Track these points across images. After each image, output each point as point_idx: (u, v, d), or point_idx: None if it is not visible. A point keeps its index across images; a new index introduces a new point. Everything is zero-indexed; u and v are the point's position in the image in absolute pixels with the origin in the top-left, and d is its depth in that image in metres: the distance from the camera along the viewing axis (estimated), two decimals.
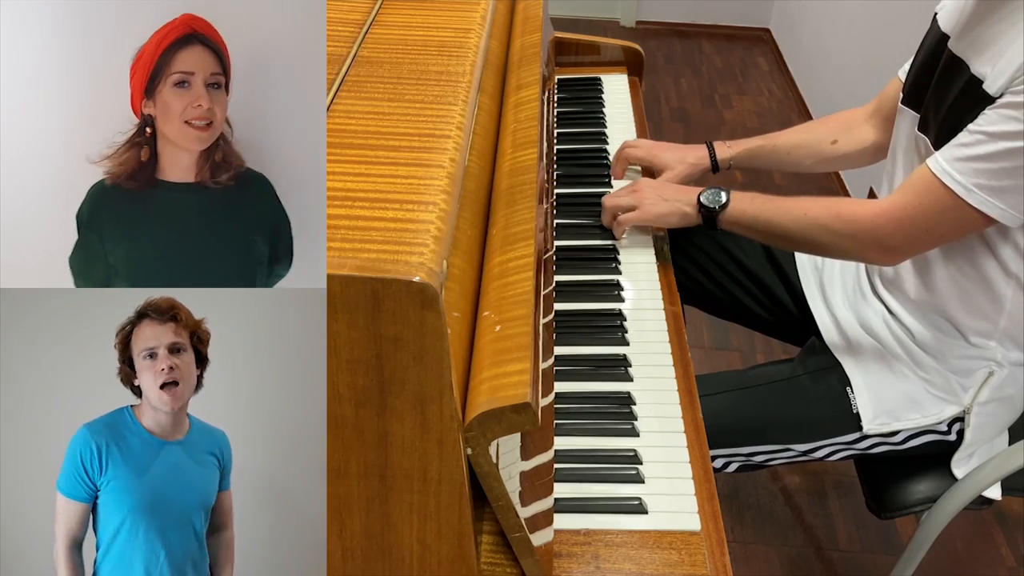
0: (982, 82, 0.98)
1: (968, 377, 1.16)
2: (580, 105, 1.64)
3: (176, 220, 0.79)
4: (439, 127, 0.78)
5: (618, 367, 1.06)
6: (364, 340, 0.63)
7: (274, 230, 0.83)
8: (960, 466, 1.20)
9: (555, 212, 1.33)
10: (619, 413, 1.00)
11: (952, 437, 1.19)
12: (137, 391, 0.75)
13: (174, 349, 0.74)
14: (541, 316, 0.81)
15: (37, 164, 0.82)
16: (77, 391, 0.76)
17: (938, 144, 1.04)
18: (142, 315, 0.74)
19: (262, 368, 0.79)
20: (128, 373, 0.74)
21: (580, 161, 1.49)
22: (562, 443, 0.96)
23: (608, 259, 1.25)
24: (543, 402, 0.74)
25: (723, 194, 1.18)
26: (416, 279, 0.60)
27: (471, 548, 0.74)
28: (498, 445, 0.72)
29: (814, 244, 1.14)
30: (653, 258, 1.26)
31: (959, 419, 1.18)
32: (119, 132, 0.78)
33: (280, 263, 0.84)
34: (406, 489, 0.71)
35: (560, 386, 1.04)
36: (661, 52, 3.87)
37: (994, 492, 1.19)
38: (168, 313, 0.74)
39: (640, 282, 1.21)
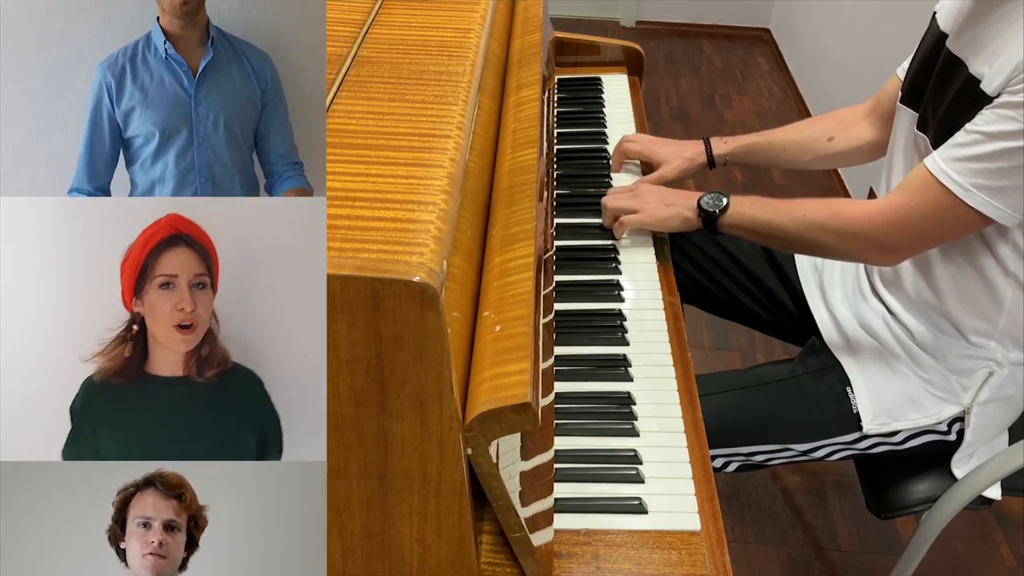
0: (980, 81, 0.98)
1: (968, 377, 1.16)
2: (580, 105, 1.64)
3: (164, 414, 0.80)
4: (439, 127, 0.78)
5: (618, 367, 1.06)
6: (364, 340, 0.63)
7: (262, 427, 0.83)
8: (960, 466, 1.21)
9: (555, 212, 1.33)
10: (619, 413, 1.00)
11: (952, 437, 1.19)
12: (122, 554, 0.75)
13: (169, 527, 0.74)
14: (541, 316, 0.81)
15: (35, 358, 0.84)
16: (72, 565, 0.76)
17: (937, 143, 1.04)
18: (149, 482, 0.74)
19: (256, 546, 0.79)
20: (118, 533, 0.75)
21: (580, 161, 1.49)
22: (562, 443, 0.96)
23: (608, 259, 1.25)
24: (543, 402, 0.74)
25: (723, 198, 1.18)
26: (416, 279, 0.60)
27: (471, 548, 0.74)
28: (498, 445, 0.72)
29: (813, 245, 1.14)
30: (653, 258, 1.26)
31: (959, 419, 1.18)
32: (108, 329, 0.80)
33: (269, 457, 0.85)
34: (406, 489, 0.71)
35: (560, 386, 1.04)
36: (661, 52, 3.87)
37: (994, 492, 1.19)
38: (175, 490, 0.74)
39: (640, 282, 1.21)
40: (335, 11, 0.98)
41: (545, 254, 0.91)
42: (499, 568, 0.80)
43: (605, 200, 1.28)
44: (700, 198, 1.20)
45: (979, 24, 1.01)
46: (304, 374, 0.81)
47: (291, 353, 0.84)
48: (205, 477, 0.76)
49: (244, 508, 0.78)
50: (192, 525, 0.75)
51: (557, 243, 1.27)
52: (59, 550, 0.76)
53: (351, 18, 0.97)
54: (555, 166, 1.44)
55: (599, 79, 1.72)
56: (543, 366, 0.78)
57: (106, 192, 1.23)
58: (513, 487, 0.75)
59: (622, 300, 1.18)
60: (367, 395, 0.66)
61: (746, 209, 1.17)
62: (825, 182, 2.91)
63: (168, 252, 0.78)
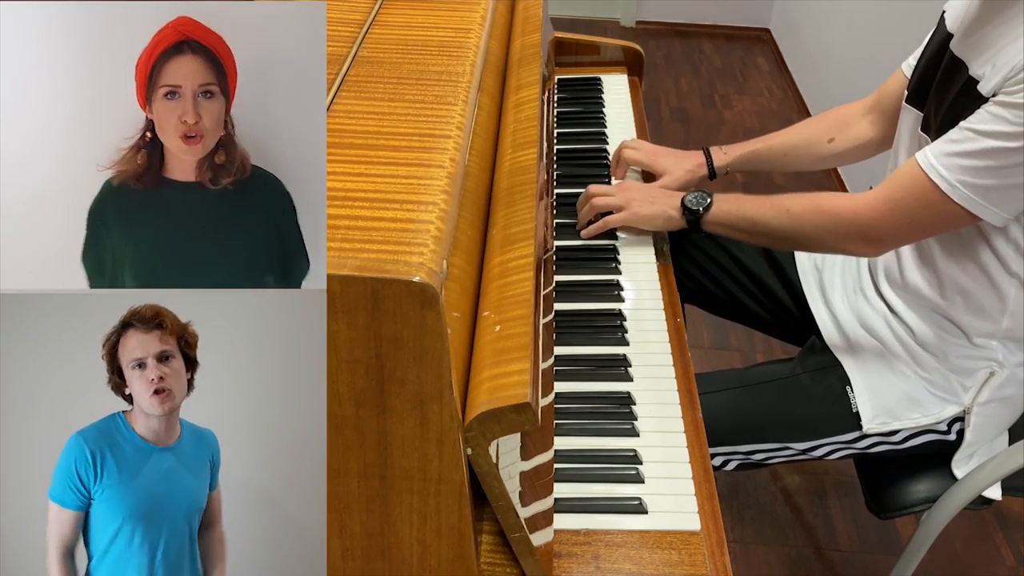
0: (978, 82, 0.99)
1: (969, 377, 1.16)
2: (580, 105, 1.64)
3: (181, 219, 0.78)
4: (439, 127, 0.78)
5: (618, 367, 1.06)
6: (364, 340, 0.63)
7: (281, 232, 0.82)
8: (960, 466, 1.21)
9: (555, 212, 1.33)
10: (619, 413, 1.00)
11: (952, 437, 1.19)
12: (129, 399, 0.74)
13: (162, 357, 0.73)
14: (541, 316, 0.81)
15: (40, 167, 0.82)
16: (67, 397, 0.76)
17: None
18: (127, 325, 0.73)
19: (259, 370, 0.78)
20: (118, 383, 0.74)
21: (580, 161, 1.49)
22: (562, 443, 0.96)
23: (608, 259, 1.25)
24: (543, 402, 0.74)
25: (707, 197, 1.19)
26: (416, 279, 0.60)
27: (471, 548, 0.74)
28: (498, 445, 0.72)
29: (798, 239, 1.15)
30: (653, 258, 1.26)
31: (959, 419, 1.18)
32: (125, 137, 0.78)
33: (295, 265, 0.83)
34: (406, 489, 0.71)
35: (560, 386, 1.04)
36: (661, 52, 3.87)
37: (994, 492, 1.19)
38: (153, 321, 0.73)
39: (640, 282, 1.21)
40: (335, 11, 0.98)
41: (545, 254, 0.91)
42: (499, 568, 0.80)
43: (589, 188, 1.28)
44: (684, 197, 1.20)
45: (984, 26, 1.01)
46: (310, 177, 0.79)
47: (298, 156, 0.81)
48: (204, 304, 0.76)
49: (245, 333, 0.77)
50: (183, 345, 0.74)
51: (557, 243, 1.27)
52: (53, 380, 0.75)
53: (351, 18, 0.97)
54: (555, 166, 1.44)
55: (599, 79, 1.72)
56: (543, 366, 0.78)
57: None
58: (513, 487, 0.75)
59: (622, 300, 1.18)
60: (367, 395, 0.66)
61: (730, 207, 1.18)
62: (825, 182, 2.91)
63: (174, 60, 0.75)
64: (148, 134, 0.78)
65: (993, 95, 0.96)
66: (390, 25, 0.96)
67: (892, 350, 1.19)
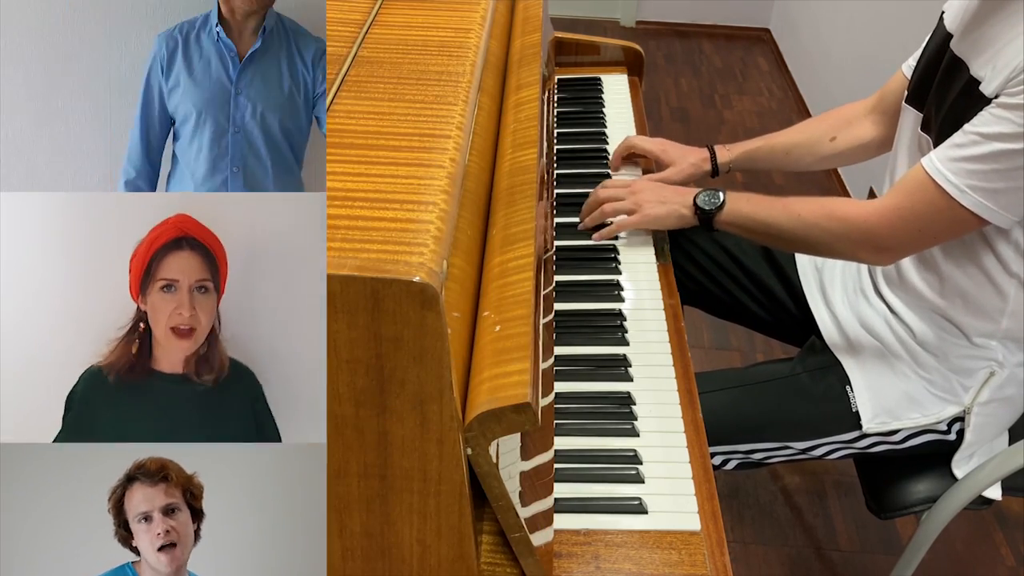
0: (980, 83, 0.98)
1: (969, 377, 1.16)
2: (580, 105, 1.64)
3: (167, 412, 0.81)
4: (439, 127, 0.78)
5: (618, 367, 1.06)
6: (364, 340, 0.63)
7: (257, 419, 0.83)
8: (960, 466, 1.20)
9: (555, 212, 1.33)
10: (619, 413, 1.00)
11: (952, 437, 1.19)
12: (137, 551, 0.75)
13: (168, 510, 0.74)
14: (541, 316, 0.81)
15: (37, 360, 0.84)
16: (69, 547, 0.76)
17: (939, 144, 1.04)
18: (132, 478, 0.74)
19: (260, 519, 0.79)
20: (125, 536, 0.74)
21: (580, 161, 1.49)
22: (562, 443, 0.96)
23: (608, 259, 1.24)
24: (543, 402, 0.74)
25: (720, 195, 1.18)
26: (416, 279, 0.60)
27: (471, 548, 0.74)
28: (498, 445, 0.72)
29: (808, 244, 1.14)
30: (653, 258, 1.26)
31: (959, 419, 1.18)
32: (117, 327, 0.81)
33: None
34: (406, 489, 0.71)
35: (560, 386, 1.04)
36: (661, 52, 3.87)
37: (994, 492, 1.19)
38: (158, 474, 0.74)
39: (640, 282, 1.21)
40: (335, 11, 0.98)
41: (545, 254, 0.91)
42: (499, 568, 0.80)
43: (599, 191, 1.28)
44: (696, 195, 1.20)
45: (982, 26, 1.01)
46: (304, 372, 0.81)
47: (292, 352, 0.84)
48: (198, 457, 0.76)
49: (243, 487, 0.78)
50: (189, 497, 0.75)
51: (557, 243, 1.27)
52: (55, 531, 0.76)
53: (351, 18, 0.97)
54: (555, 166, 1.44)
55: (599, 79, 1.72)
56: (543, 366, 0.78)
57: (156, 168, 1.19)
58: (513, 487, 0.75)
59: (622, 300, 1.18)
60: (367, 395, 0.66)
61: (742, 207, 1.17)
62: (825, 182, 2.91)
63: (172, 255, 0.78)
64: (142, 325, 0.80)
65: (995, 96, 0.96)
66: (390, 25, 0.96)
67: (892, 350, 1.19)
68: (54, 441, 0.80)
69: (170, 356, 0.80)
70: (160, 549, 0.73)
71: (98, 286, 0.82)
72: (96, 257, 0.83)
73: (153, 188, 1.22)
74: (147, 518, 0.74)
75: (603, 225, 1.27)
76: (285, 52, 1.18)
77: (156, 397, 0.80)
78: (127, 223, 0.80)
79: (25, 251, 0.83)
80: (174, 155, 1.23)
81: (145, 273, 0.78)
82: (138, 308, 0.80)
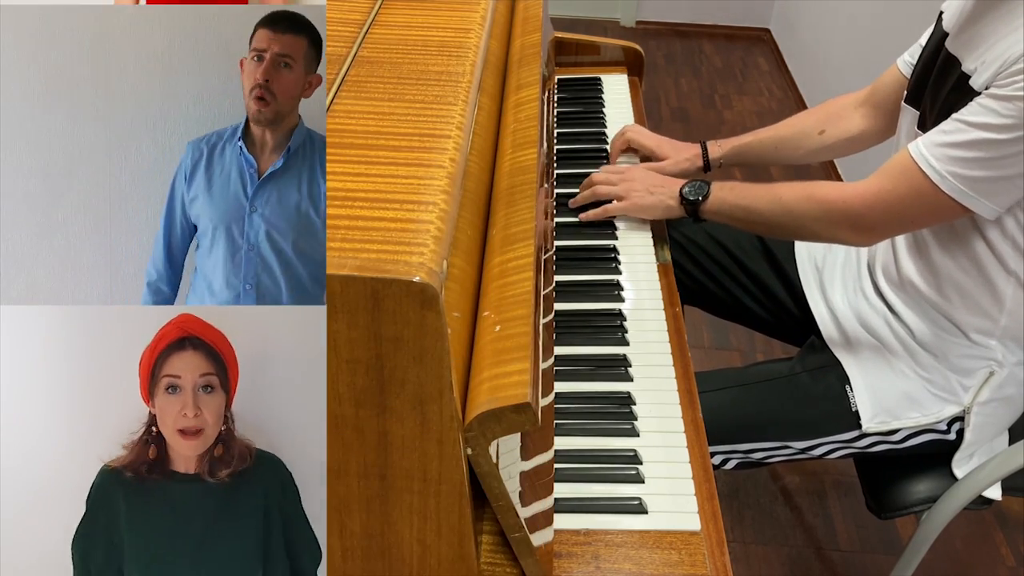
0: (970, 77, 0.99)
1: (969, 376, 1.16)
2: (580, 105, 1.65)
3: (184, 512, 0.80)
4: (439, 127, 0.78)
5: (618, 367, 1.06)
6: (364, 340, 0.63)
7: (285, 517, 0.82)
8: (960, 466, 1.21)
9: (555, 212, 1.33)
10: (619, 413, 1.00)
11: (952, 437, 1.19)
12: None
13: None
14: (541, 316, 0.81)
15: (41, 463, 0.84)
16: None
17: None
18: None
19: None
20: None
21: (580, 161, 1.49)
22: (562, 443, 0.96)
23: (608, 259, 1.25)
24: (543, 402, 0.74)
25: (705, 186, 1.21)
26: (416, 279, 0.60)
27: (471, 548, 0.74)
28: (498, 445, 0.72)
29: (789, 227, 1.16)
30: (653, 258, 1.26)
31: (959, 419, 1.18)
32: (130, 432, 0.80)
33: (305, 551, 0.83)
34: (406, 489, 0.71)
35: (560, 386, 1.04)
36: (661, 52, 3.87)
37: (994, 492, 1.19)
38: None
39: (640, 282, 1.21)
40: (335, 11, 0.98)
41: (545, 254, 0.91)
42: (499, 568, 0.80)
43: (595, 175, 1.32)
44: (682, 187, 1.23)
45: (976, 23, 1.02)
46: (316, 475, 0.80)
47: (304, 457, 0.83)
48: None
49: None
50: None
51: (557, 243, 1.27)
52: None
53: (351, 18, 0.97)
54: (555, 166, 1.44)
55: (599, 79, 1.72)
56: (543, 366, 0.78)
57: (179, 271, 1.19)
58: (513, 487, 0.75)
59: (622, 300, 1.18)
60: (367, 395, 0.66)
61: (726, 195, 1.20)
62: (821, 176, 2.91)
63: (175, 355, 0.78)
64: (155, 428, 0.80)
65: (985, 88, 0.97)
66: (390, 25, 0.97)
67: (891, 349, 1.19)
68: (71, 544, 0.79)
69: (182, 456, 0.80)
70: None
71: (105, 397, 0.83)
72: (101, 368, 0.83)
73: (174, 290, 1.21)
74: None
75: (594, 206, 1.31)
76: (307, 170, 1.15)
77: (172, 498, 0.79)
78: (132, 334, 0.81)
79: (27, 364, 0.84)
80: (196, 266, 1.22)
81: (151, 375, 0.78)
82: (149, 412, 0.79)
